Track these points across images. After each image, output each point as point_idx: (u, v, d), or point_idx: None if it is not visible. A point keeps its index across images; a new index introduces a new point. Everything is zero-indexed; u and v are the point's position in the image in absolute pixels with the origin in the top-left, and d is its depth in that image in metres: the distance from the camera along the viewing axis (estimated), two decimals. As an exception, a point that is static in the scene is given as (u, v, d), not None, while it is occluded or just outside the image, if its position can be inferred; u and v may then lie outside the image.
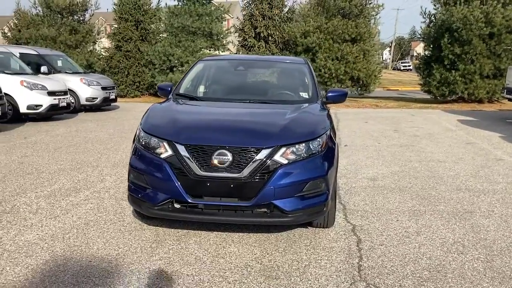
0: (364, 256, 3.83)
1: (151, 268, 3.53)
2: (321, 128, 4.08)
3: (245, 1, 21.42)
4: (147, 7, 22.00)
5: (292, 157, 3.75)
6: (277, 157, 3.70)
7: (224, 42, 20.44)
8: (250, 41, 20.97)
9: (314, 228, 4.38)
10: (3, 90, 10.13)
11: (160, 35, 21.17)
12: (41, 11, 21.54)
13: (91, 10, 22.48)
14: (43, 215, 4.65)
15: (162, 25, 20.51)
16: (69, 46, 20.93)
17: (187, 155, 3.72)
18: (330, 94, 5.05)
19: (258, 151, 3.69)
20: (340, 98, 5.11)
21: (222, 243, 4.03)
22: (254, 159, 3.66)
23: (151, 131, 4.00)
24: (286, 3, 21.72)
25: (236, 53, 21.27)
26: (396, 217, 4.80)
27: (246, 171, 3.65)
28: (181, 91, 5.12)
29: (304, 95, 5.05)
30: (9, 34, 23.08)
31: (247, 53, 20.28)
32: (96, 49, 22.24)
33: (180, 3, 20.60)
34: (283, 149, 3.72)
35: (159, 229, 4.30)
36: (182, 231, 4.28)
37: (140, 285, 3.26)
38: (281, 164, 3.70)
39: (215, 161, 3.68)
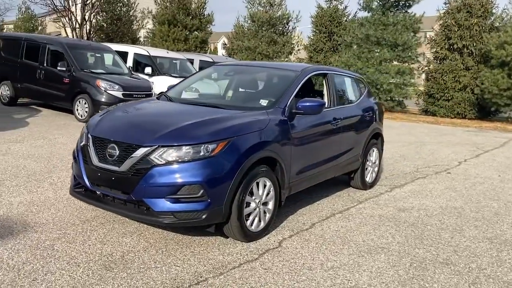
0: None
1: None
2: (221, 134, 3.93)
3: (441, 11, 19.70)
4: (344, 18, 22.34)
5: (171, 158, 3.77)
6: (154, 156, 3.78)
7: (410, 53, 19.18)
8: (441, 53, 19.20)
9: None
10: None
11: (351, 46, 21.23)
12: (247, 25, 24.11)
13: (293, 23, 24.02)
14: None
15: (349, 37, 20.55)
16: (266, 56, 22.87)
17: (91, 145, 4.14)
18: (301, 104, 4.69)
19: (136, 148, 3.85)
20: (314, 108, 4.70)
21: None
22: (132, 156, 3.84)
23: (88, 123, 4.54)
24: (494, 10, 19.09)
25: (424, 65, 19.80)
26: None
27: (124, 166, 3.86)
28: (168, 90, 5.48)
29: (263, 102, 4.80)
30: (228, 45, 26.54)
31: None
32: (290, 60, 23.67)
33: (372, 13, 20.28)
34: (162, 149, 3.78)
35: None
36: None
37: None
38: (156, 164, 3.76)
39: (107, 154, 4.00)
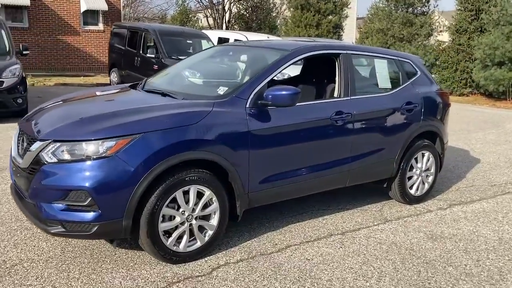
0: None
1: None
2: (124, 129, 3.17)
3: None
4: (497, -8, 19.03)
5: (62, 156, 3.14)
6: (45, 152, 3.20)
7: None
8: None
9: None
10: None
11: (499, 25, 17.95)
12: (382, 5, 22.07)
13: (435, 0, 21.29)
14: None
15: (496, 14, 17.32)
16: (400, 39, 20.70)
17: (14, 135, 3.75)
18: (266, 93, 3.65)
19: (33, 142, 3.32)
20: (283, 98, 3.62)
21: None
22: (29, 150, 3.32)
23: None
24: None
25: None
26: None
27: (24, 162, 3.36)
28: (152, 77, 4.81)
29: (221, 91, 3.82)
30: (362, 28, 24.89)
31: None
32: (430, 43, 21.03)
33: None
34: (54, 145, 3.17)
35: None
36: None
37: None
38: (46, 162, 3.18)
39: (19, 146, 3.58)
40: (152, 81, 4.53)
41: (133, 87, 4.40)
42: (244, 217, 3.89)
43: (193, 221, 3.44)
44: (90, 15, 18.72)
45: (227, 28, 28.70)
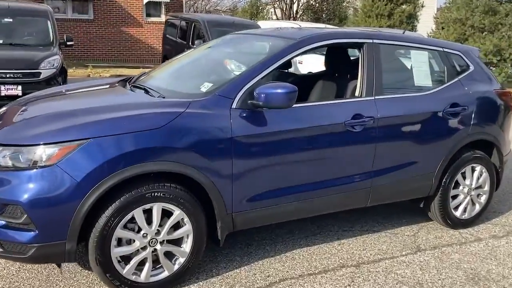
0: None
1: None
2: (69, 133, 2.63)
3: None
4: None
5: (9, 163, 2.63)
6: None
7: None
8: None
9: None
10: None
11: None
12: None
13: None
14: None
15: None
16: (480, 30, 18.82)
17: None
18: (257, 92, 2.95)
19: None
20: (277, 98, 2.92)
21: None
22: None
23: None
24: None
25: None
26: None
27: None
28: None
29: (204, 87, 3.14)
30: (439, 18, 23.09)
31: None
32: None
33: None
34: None
35: None
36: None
37: None
38: None
39: None
40: (150, 75, 3.97)
41: (126, 81, 3.87)
42: (243, 234, 3.26)
43: (158, 246, 2.84)
44: (153, 7, 18.76)
45: (294, 19, 27.86)
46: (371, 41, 3.56)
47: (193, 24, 11.58)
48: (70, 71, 14.31)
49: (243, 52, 3.92)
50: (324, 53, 4.32)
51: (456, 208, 4.03)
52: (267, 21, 15.58)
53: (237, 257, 3.41)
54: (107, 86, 3.83)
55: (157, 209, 2.79)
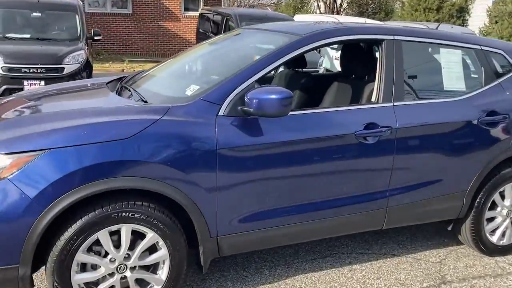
0: None
1: None
2: (25, 142, 2.30)
3: None
4: None
5: None
6: None
7: None
8: None
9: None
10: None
11: None
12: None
13: None
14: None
15: None
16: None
17: None
18: (255, 96, 2.52)
19: None
20: (269, 105, 2.49)
21: None
22: None
23: None
24: None
25: None
26: None
27: None
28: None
29: (189, 91, 2.72)
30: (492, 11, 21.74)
31: None
32: None
33: None
34: None
35: None
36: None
37: None
38: None
39: None
40: (147, 74, 3.61)
41: (119, 80, 3.53)
42: (240, 254, 2.87)
43: (128, 273, 2.48)
44: (191, 1, 18.56)
45: (337, 13, 27.01)
46: (391, 37, 3.04)
47: (225, 18, 11.23)
48: (106, 65, 14.35)
49: (242, 49, 3.48)
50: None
51: (493, 232, 3.46)
52: (304, 15, 14.98)
53: (229, 282, 3.01)
54: (96, 86, 3.50)
55: (125, 231, 2.42)
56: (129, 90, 3.04)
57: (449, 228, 3.45)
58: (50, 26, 8.92)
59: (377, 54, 3.10)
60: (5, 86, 7.42)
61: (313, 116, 2.79)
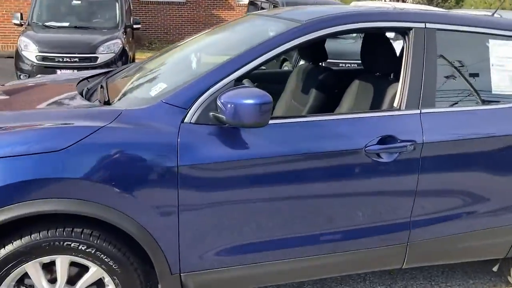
0: None
1: None
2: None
3: None
4: None
5: None
6: None
7: None
8: None
9: None
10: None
11: None
12: None
13: None
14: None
15: None
16: None
17: None
18: (229, 100, 1.96)
19: None
20: (243, 112, 1.92)
21: None
22: None
23: None
24: None
25: None
26: None
27: None
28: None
29: (154, 91, 2.18)
30: None
31: None
32: None
33: None
34: None
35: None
36: None
37: None
38: None
39: None
40: (138, 67, 3.12)
41: (102, 75, 3.07)
42: None
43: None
44: (246, -11, 18.09)
45: (403, 1, 25.50)
46: (422, 25, 2.36)
47: (272, 5, 10.62)
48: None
49: (238, 39, 2.91)
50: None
51: (553, 276, 2.69)
52: (363, 1, 13.94)
53: (208, 321, 2.48)
54: (69, 82, 3.04)
55: (61, 262, 1.97)
56: (102, 88, 2.57)
57: (495, 269, 2.72)
58: (89, 14, 8.78)
59: (403, 46, 2.42)
60: (39, 76, 7.31)
61: (309, 126, 2.19)
